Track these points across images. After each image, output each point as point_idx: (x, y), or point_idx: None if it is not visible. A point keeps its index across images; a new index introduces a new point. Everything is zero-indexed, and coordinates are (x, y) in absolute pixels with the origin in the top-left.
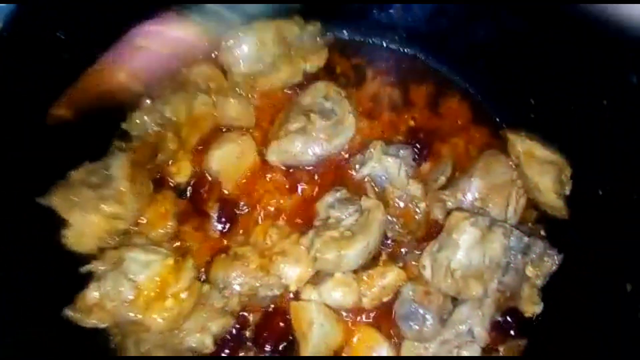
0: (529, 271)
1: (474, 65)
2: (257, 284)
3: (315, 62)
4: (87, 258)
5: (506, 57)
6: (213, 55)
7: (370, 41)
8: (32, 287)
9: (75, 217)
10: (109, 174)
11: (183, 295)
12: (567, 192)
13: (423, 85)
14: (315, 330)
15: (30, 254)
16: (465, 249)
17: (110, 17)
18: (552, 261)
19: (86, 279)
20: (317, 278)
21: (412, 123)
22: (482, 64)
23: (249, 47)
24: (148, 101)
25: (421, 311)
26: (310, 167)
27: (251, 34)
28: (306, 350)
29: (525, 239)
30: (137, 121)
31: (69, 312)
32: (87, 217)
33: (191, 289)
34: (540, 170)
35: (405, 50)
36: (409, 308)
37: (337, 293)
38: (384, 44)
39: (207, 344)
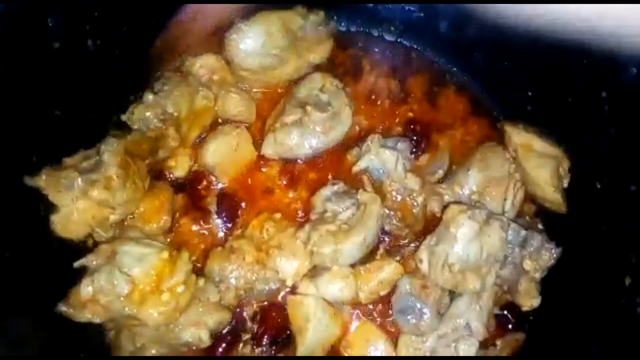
0: (527, 265)
1: (471, 57)
2: (254, 278)
3: (319, 53)
4: (80, 252)
5: (504, 49)
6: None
7: (367, 32)
8: (24, 281)
9: (64, 201)
10: (101, 160)
11: (179, 289)
12: (565, 185)
13: (420, 77)
14: (312, 324)
15: (20, 248)
16: (463, 242)
17: (104, 4)
18: (550, 255)
19: (79, 274)
20: (314, 272)
21: (410, 114)
22: (480, 55)
23: (255, 40)
24: (151, 96)
25: (418, 305)
26: (307, 160)
27: (256, 27)
28: (303, 344)
29: (523, 232)
30: (139, 116)
31: (62, 308)
32: (75, 201)
33: (187, 283)
34: (537, 163)
35: (402, 41)
36: (406, 302)
37: (334, 287)
38: (381, 35)
39: (204, 339)
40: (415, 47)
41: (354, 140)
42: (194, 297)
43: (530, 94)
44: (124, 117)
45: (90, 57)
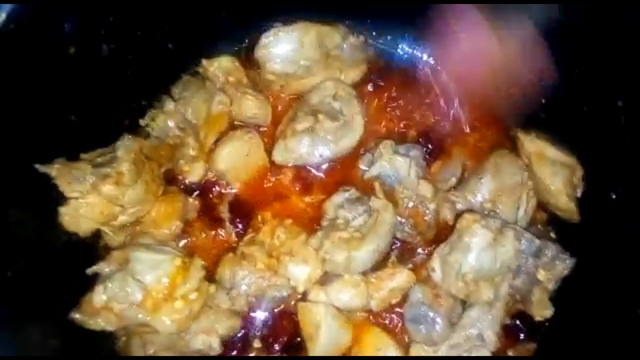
0: (541, 275)
1: None
2: (265, 284)
3: (350, 74)
4: (92, 259)
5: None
6: (236, 47)
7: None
8: (35, 288)
9: (73, 193)
10: (115, 155)
11: (192, 297)
12: (579, 195)
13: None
14: (323, 332)
15: (33, 255)
16: (477, 252)
17: (118, 9)
18: (564, 265)
19: (90, 281)
20: (325, 279)
21: (424, 121)
22: None
23: (287, 47)
24: (172, 105)
25: (431, 314)
26: (320, 166)
27: (291, 34)
28: (314, 352)
29: (537, 241)
30: (160, 124)
31: (75, 315)
32: (84, 193)
33: (200, 290)
34: (551, 171)
35: (414, 47)
36: (419, 311)
37: (345, 295)
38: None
39: (214, 347)
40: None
41: (367, 146)
42: (205, 304)
43: (543, 101)
44: (142, 122)
45: (104, 62)
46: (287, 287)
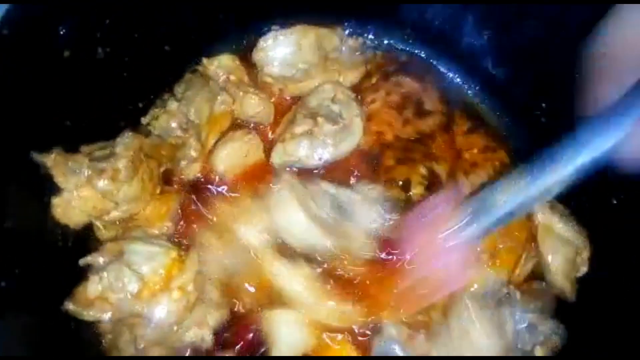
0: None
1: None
2: (226, 262)
3: (349, 76)
4: (84, 250)
5: (518, 69)
6: (233, 47)
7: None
8: (24, 281)
9: (68, 185)
10: (114, 151)
11: (189, 288)
12: (580, 275)
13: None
14: (283, 339)
15: (27, 250)
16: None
17: (114, 10)
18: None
19: (81, 272)
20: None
21: (425, 130)
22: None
23: (286, 50)
24: (174, 105)
25: (400, 354)
26: (317, 169)
27: (289, 37)
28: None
29: (530, 315)
30: (163, 124)
31: (69, 306)
32: (78, 186)
33: (196, 282)
34: (553, 246)
35: (418, 52)
36: (388, 347)
37: (299, 286)
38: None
39: (207, 339)
40: (423, 56)
41: (372, 148)
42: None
43: (543, 105)
44: (144, 120)
45: (100, 65)
46: (245, 259)
